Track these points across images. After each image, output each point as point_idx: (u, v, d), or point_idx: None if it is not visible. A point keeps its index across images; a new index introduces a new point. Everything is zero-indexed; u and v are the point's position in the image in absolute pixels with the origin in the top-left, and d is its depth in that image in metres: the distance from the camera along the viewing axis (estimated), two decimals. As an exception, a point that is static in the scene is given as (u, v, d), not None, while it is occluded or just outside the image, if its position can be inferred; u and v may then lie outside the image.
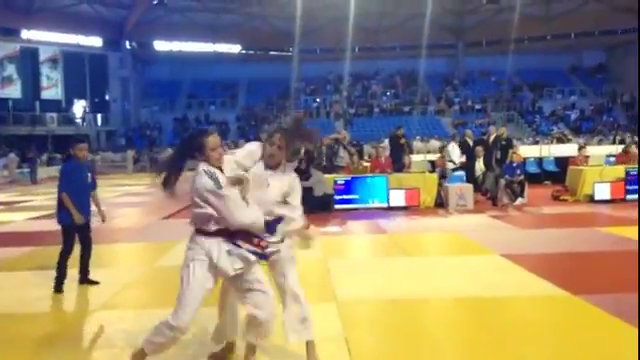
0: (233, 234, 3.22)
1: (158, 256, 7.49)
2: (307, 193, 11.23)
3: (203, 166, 3.22)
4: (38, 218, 12.25)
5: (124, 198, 16.66)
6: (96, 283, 5.97)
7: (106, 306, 5.25)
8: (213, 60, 43.27)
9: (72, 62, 39.61)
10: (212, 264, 3.25)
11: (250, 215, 3.21)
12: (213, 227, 3.24)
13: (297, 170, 11.70)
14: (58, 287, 5.71)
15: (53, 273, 5.93)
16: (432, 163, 15.71)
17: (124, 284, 6.06)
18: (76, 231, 5.93)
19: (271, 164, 3.51)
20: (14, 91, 37.77)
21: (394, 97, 43.45)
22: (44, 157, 31.01)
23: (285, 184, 3.56)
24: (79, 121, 39.46)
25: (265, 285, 3.39)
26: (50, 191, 20.23)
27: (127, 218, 12.17)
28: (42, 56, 38.78)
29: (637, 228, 7.70)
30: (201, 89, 43.84)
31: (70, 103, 39.71)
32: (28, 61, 38.26)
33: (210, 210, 3.18)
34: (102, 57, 41.10)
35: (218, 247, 3.25)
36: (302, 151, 13.70)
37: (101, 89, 41.70)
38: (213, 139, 3.29)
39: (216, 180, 3.14)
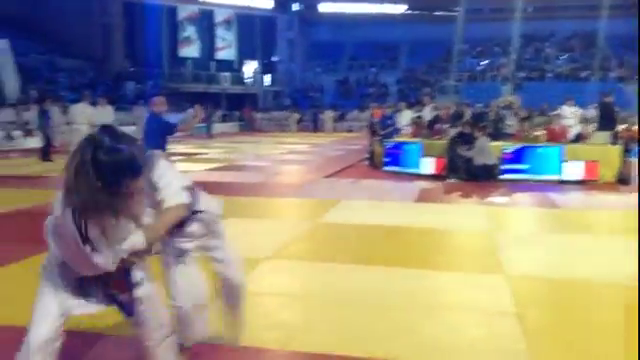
0: None
1: (321, 212, 7.68)
2: (467, 162, 10.81)
3: None
4: (214, 169, 13.18)
5: (288, 156, 17.36)
6: None
7: (277, 256, 5.50)
8: (375, 22, 43.03)
9: (244, 24, 41.74)
10: None
11: None
12: None
13: (460, 135, 11.34)
14: None
15: (228, 221, 6.29)
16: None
17: (292, 236, 6.29)
18: None
19: None
20: (193, 51, 40.81)
21: (570, 61, 40.09)
22: (218, 113, 33.37)
23: None
24: (249, 81, 41.71)
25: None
26: (223, 145, 21.79)
27: (291, 175, 12.67)
28: (217, 18, 41.34)
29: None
30: (363, 51, 43.95)
31: (242, 64, 42.05)
32: (205, 23, 41.03)
33: None
34: (271, 19, 42.78)
35: None
36: (467, 114, 13.27)
37: (269, 51, 43.55)
38: None
39: None
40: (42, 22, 32.18)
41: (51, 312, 2.35)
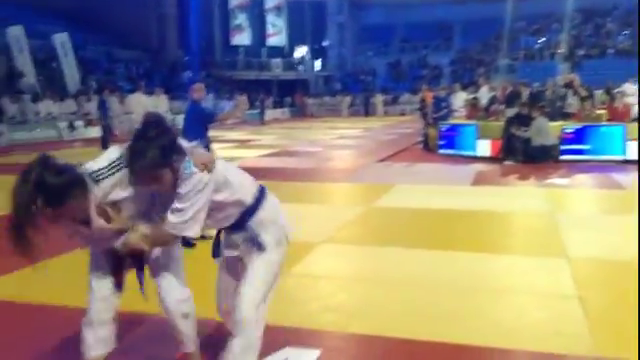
0: None
1: (375, 197, 7.66)
2: (525, 144, 10.53)
3: None
4: (267, 156, 13.33)
5: (340, 141, 17.36)
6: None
7: (331, 240, 5.53)
8: (427, 2, 42.16)
9: (294, 10, 41.78)
10: None
11: None
12: None
13: (517, 116, 11.00)
14: None
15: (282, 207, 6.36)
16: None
17: (346, 221, 6.31)
18: None
19: None
20: (244, 38, 41.19)
21: (632, 37, 38.21)
22: (270, 100, 33.64)
23: None
24: (300, 67, 41.80)
25: None
26: (276, 131, 21.99)
27: (343, 160, 12.67)
28: (268, 5, 41.52)
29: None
30: (414, 33, 43.17)
31: (292, 49, 42.16)
32: (256, 10, 41.29)
33: None
34: (321, 4, 42.59)
35: None
36: (525, 94, 12.88)
37: (320, 35, 43.44)
38: None
39: None
40: (100, 15, 33.13)
41: (107, 276, 2.64)
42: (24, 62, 22.12)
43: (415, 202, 7.32)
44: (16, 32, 21.98)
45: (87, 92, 22.11)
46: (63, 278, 4.22)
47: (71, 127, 20.21)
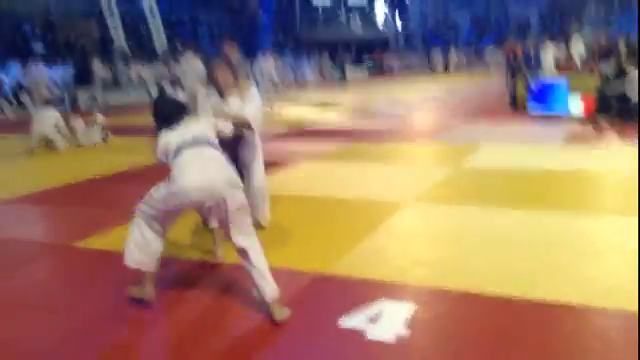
0: None
1: (462, 157, 7.59)
2: (620, 101, 9.97)
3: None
4: (348, 116, 13.37)
5: (422, 100, 17.07)
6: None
7: (420, 199, 5.58)
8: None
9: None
10: None
11: None
12: None
13: (613, 71, 10.27)
14: None
15: (369, 166, 6.43)
16: None
17: (434, 181, 6.32)
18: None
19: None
20: (325, -1, 40.89)
21: None
22: (349, 59, 33.43)
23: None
24: (380, 25, 41.10)
25: None
26: (356, 90, 21.92)
27: (427, 120, 12.52)
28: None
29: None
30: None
31: (372, 7, 41.43)
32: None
33: None
34: (402, -42, 41.44)
35: None
36: (621, 47, 12.12)
37: (400, -8, 42.42)
38: None
39: None
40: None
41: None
42: (115, 26, 23.05)
43: (503, 162, 7.20)
44: (107, -3, 22.91)
45: (173, 54, 22.80)
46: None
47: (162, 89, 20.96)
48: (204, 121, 3.58)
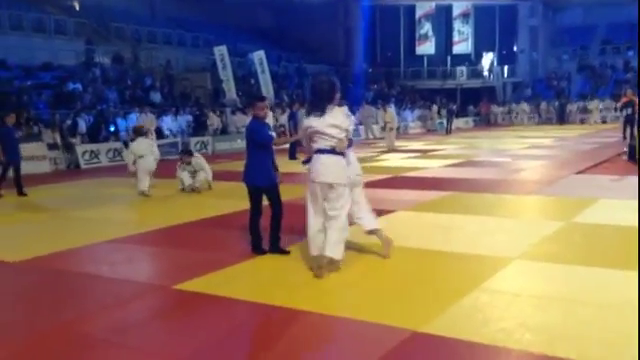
0: None
1: (576, 211, 7.07)
2: None
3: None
4: (451, 165, 13.04)
5: (530, 151, 16.36)
6: (286, 253, 5.40)
7: (526, 256, 5.21)
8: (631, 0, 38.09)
9: (483, 15, 40.49)
10: None
11: None
12: None
13: None
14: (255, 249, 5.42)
15: (469, 219, 6.13)
16: None
17: (542, 236, 5.91)
18: (263, 192, 5.56)
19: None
20: (429, 47, 40.91)
21: None
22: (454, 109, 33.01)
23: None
24: (486, 74, 40.40)
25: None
26: (460, 140, 21.47)
27: (536, 171, 11.91)
28: (455, 12, 40.82)
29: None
30: (617, 33, 39.26)
31: (479, 56, 40.89)
32: (442, 18, 40.85)
33: None
34: (512, 8, 40.73)
35: None
36: None
37: (509, 41, 41.53)
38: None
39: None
40: (293, 33, 35.40)
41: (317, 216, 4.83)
42: (227, 78, 24.32)
43: (621, 219, 6.60)
44: (221, 51, 24.27)
45: (280, 105, 23.64)
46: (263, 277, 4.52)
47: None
48: None
